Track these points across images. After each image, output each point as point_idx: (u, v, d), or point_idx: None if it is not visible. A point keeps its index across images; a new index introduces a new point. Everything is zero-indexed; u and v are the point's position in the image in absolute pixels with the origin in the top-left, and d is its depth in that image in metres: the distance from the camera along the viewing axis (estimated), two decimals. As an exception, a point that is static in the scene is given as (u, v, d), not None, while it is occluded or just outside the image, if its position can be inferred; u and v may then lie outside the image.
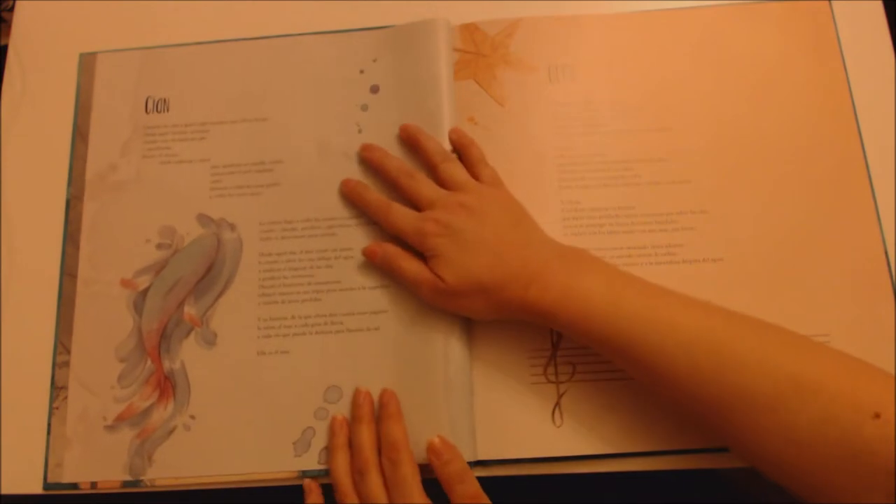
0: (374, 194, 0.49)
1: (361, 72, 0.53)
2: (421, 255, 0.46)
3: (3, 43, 0.57)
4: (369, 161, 0.51)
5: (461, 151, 0.50)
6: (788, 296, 0.48)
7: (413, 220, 0.46)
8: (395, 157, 0.50)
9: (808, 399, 0.36)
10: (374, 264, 0.48)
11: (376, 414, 0.47)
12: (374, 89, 0.52)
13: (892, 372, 0.37)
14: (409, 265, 0.46)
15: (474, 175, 0.49)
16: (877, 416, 0.35)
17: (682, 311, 0.40)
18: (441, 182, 0.48)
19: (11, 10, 0.58)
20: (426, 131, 0.50)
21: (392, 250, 0.47)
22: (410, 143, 0.50)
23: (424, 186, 0.48)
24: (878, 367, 0.38)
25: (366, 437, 0.45)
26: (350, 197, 0.50)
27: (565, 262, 0.44)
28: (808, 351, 0.39)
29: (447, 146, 0.50)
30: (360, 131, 0.52)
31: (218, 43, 0.55)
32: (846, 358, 0.38)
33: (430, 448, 0.44)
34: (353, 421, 0.46)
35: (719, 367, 0.38)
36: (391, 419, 0.46)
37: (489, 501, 0.43)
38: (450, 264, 0.44)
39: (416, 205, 0.48)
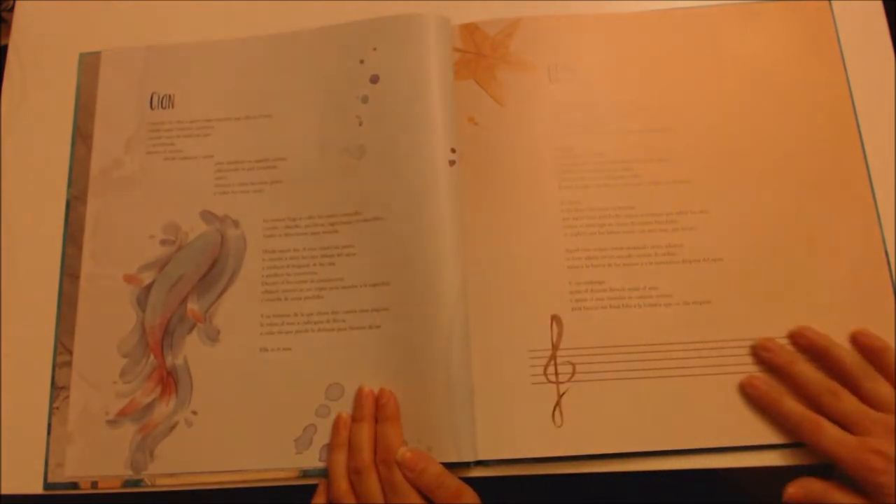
0: (798, 409, 0.44)
1: (361, 62, 0.53)
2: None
3: (3, 43, 0.58)
4: (771, 364, 0.46)
5: (875, 354, 0.45)
6: (788, 296, 0.48)
7: (853, 449, 0.42)
8: (806, 364, 0.46)
9: None
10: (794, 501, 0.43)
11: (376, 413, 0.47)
12: (375, 79, 0.52)
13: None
14: (840, 496, 0.42)
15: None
16: None
17: None
18: (865, 401, 0.44)
19: (11, 10, 0.58)
20: (829, 337, 0.46)
21: (819, 488, 0.42)
22: (817, 351, 0.46)
23: (852, 408, 0.43)
24: None
25: (365, 436, 0.45)
26: (763, 404, 0.46)
27: None
28: None
29: (447, 145, 0.50)
30: (360, 124, 0.52)
31: (223, 40, 0.55)
32: None
33: (402, 464, 0.44)
34: (353, 420, 0.46)
35: None
36: (388, 421, 0.46)
37: (472, 494, 0.43)
38: None
39: (841, 423, 0.43)
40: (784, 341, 0.47)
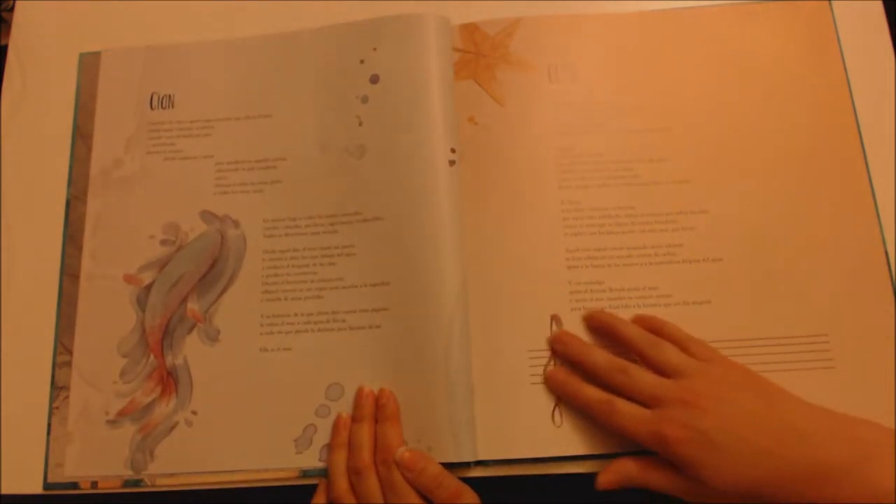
0: (593, 392, 0.44)
1: (361, 62, 0.53)
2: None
3: (3, 43, 0.57)
4: (568, 358, 0.46)
5: (658, 333, 0.45)
6: (788, 296, 0.48)
7: (646, 423, 0.41)
8: (598, 348, 0.46)
9: None
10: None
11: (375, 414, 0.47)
12: (374, 79, 0.52)
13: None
14: (657, 476, 0.41)
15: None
16: None
17: None
18: (656, 370, 0.43)
19: (11, 10, 0.58)
20: (615, 315, 0.47)
21: (634, 469, 0.42)
22: (605, 332, 0.47)
23: (643, 381, 0.42)
24: None
25: (365, 437, 0.45)
26: (562, 395, 0.46)
27: (863, 448, 0.38)
28: None
29: (447, 145, 0.50)
30: (360, 124, 0.52)
31: (223, 40, 0.55)
32: None
33: (401, 464, 0.44)
34: (353, 420, 0.46)
35: None
36: (388, 421, 0.46)
37: (472, 494, 0.43)
38: (714, 475, 0.38)
39: (638, 400, 0.42)
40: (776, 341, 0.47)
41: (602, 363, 0.44)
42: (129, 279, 0.51)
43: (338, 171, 0.51)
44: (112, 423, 0.48)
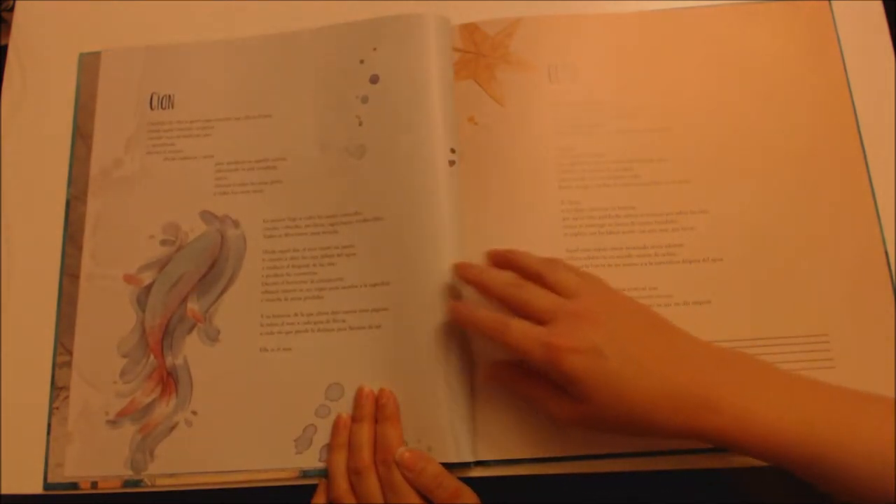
0: (487, 313, 0.43)
1: (361, 62, 0.53)
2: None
3: (3, 43, 0.58)
4: (468, 282, 0.46)
5: (552, 264, 0.45)
6: (788, 296, 0.48)
7: (538, 337, 0.40)
8: (496, 269, 0.46)
9: None
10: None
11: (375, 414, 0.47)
12: (374, 79, 0.52)
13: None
14: (539, 389, 0.42)
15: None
16: None
17: (871, 422, 0.37)
18: (552, 290, 0.43)
19: (11, 10, 0.58)
20: (515, 248, 0.46)
21: (507, 374, 0.42)
22: (503, 265, 0.46)
23: (539, 296, 0.42)
24: None
25: (365, 437, 0.45)
26: (460, 322, 0.45)
27: (732, 372, 0.39)
28: None
29: (447, 145, 0.50)
30: (360, 124, 0.52)
31: (223, 40, 0.55)
32: None
33: (401, 464, 0.44)
34: (353, 420, 0.46)
35: None
36: (388, 421, 0.46)
37: (471, 495, 0.43)
38: (599, 389, 0.38)
39: (533, 318, 0.42)
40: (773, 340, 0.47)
41: (498, 279, 0.44)
42: (129, 279, 0.51)
43: (338, 171, 0.51)
44: (112, 423, 0.48)
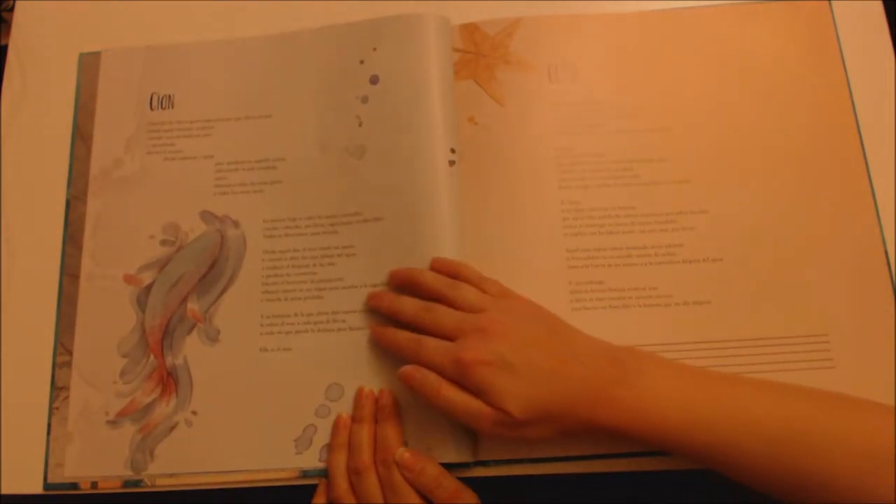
0: (403, 334, 0.46)
1: (361, 62, 0.53)
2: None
3: (3, 43, 0.58)
4: (380, 310, 0.48)
5: (455, 276, 0.47)
6: (788, 296, 0.48)
7: (448, 352, 0.43)
8: (405, 297, 0.47)
9: (887, 471, 0.36)
10: (411, 388, 0.44)
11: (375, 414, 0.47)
12: (374, 80, 0.52)
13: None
14: (458, 397, 0.42)
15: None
16: None
17: (756, 405, 0.39)
18: (457, 308, 0.45)
19: (11, 10, 0.58)
20: (415, 268, 0.48)
21: (434, 379, 0.43)
22: (407, 286, 0.47)
23: (446, 316, 0.45)
24: None
25: (364, 437, 0.45)
26: (381, 343, 0.47)
27: (623, 368, 0.41)
28: (877, 417, 0.39)
29: (447, 145, 0.50)
30: (360, 124, 0.52)
31: (223, 40, 0.55)
32: None
33: (401, 464, 0.44)
34: (353, 420, 0.46)
35: (799, 457, 0.38)
36: (387, 421, 0.46)
37: (471, 495, 0.44)
38: (508, 395, 0.40)
39: (444, 336, 0.44)
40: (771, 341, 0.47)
41: (409, 306, 0.46)
42: (129, 279, 0.51)
43: (338, 172, 0.51)
44: (112, 423, 0.48)
